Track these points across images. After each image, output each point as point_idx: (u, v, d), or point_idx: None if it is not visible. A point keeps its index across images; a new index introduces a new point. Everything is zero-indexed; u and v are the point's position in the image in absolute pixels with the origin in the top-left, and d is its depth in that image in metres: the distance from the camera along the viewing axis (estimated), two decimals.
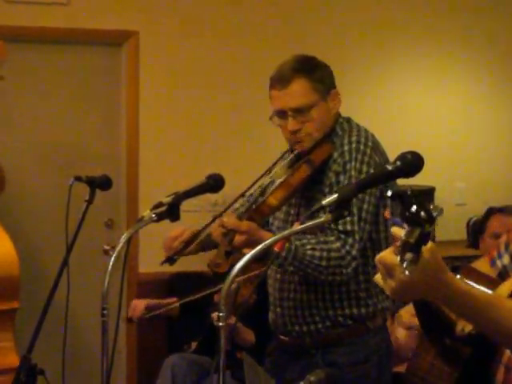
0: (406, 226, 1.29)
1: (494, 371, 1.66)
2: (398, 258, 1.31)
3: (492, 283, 1.83)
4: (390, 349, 2.67)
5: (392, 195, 1.36)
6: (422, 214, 1.27)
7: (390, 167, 1.80)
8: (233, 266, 2.23)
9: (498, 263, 1.88)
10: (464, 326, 1.95)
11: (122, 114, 4.73)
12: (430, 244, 1.32)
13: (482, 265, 1.81)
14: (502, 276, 1.89)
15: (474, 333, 1.92)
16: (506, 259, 1.88)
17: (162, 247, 3.06)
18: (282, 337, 2.68)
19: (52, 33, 4.55)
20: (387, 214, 1.40)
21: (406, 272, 1.30)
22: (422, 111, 5.22)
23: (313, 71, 2.56)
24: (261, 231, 2.41)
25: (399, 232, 1.31)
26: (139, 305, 3.87)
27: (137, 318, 3.77)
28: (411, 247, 1.29)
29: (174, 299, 3.88)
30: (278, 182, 2.54)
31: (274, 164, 2.64)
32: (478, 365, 1.57)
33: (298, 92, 2.53)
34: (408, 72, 5.21)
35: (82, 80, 4.67)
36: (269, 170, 2.63)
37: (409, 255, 1.29)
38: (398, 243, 1.31)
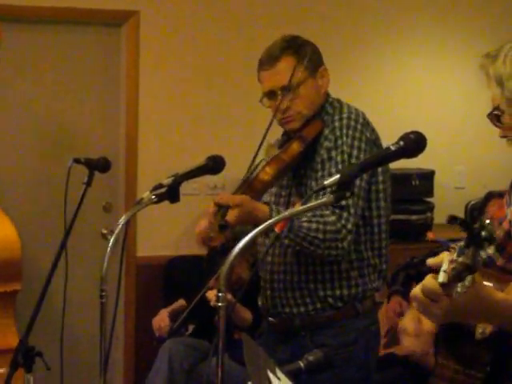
0: (453, 246, 1.32)
1: None
2: (445, 280, 1.32)
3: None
4: (377, 331, 2.71)
5: (452, 218, 1.37)
6: (484, 233, 1.30)
7: (393, 147, 1.81)
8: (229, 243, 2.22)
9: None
10: (485, 329, 1.93)
11: (121, 96, 4.69)
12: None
13: None
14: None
15: (494, 332, 1.89)
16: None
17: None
18: (272, 319, 2.69)
19: (51, 13, 4.50)
20: (431, 234, 1.42)
21: (459, 290, 1.31)
22: (422, 94, 5.21)
23: (300, 49, 2.59)
24: (254, 202, 2.42)
25: (447, 256, 1.33)
26: (162, 320, 3.83)
27: (167, 333, 3.74)
28: (470, 268, 1.30)
29: (182, 301, 3.85)
30: (270, 158, 2.55)
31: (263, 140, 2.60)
32: (501, 364, 1.58)
33: (287, 69, 2.56)
34: (407, 54, 5.17)
35: (82, 61, 4.63)
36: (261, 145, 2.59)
37: (469, 277, 1.31)
38: (447, 265, 1.33)
